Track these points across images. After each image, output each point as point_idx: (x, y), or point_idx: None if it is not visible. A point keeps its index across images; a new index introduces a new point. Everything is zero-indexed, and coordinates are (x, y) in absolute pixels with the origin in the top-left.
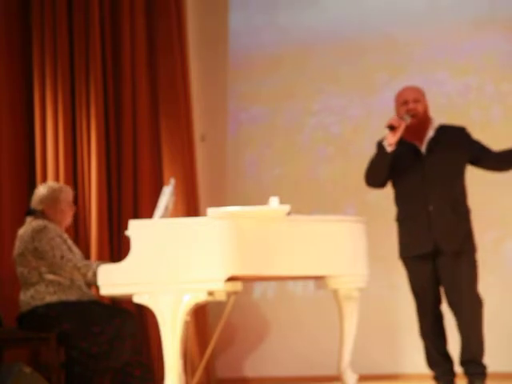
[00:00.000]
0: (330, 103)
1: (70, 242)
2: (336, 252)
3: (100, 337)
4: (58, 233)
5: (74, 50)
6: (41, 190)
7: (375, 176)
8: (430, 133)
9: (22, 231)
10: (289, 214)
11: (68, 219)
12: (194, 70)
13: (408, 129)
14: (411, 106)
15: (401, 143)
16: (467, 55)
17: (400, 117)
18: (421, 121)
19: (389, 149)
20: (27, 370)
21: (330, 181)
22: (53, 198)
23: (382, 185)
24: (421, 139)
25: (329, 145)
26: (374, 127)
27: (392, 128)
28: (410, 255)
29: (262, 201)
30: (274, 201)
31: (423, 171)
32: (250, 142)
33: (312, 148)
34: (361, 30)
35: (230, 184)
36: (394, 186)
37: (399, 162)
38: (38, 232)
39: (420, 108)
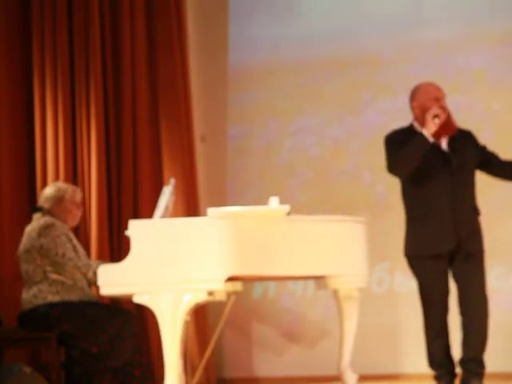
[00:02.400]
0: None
1: (75, 241)
2: (336, 252)
3: (100, 337)
4: (64, 231)
5: (73, 50)
6: (47, 189)
7: (409, 165)
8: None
9: (29, 228)
10: (289, 214)
11: (74, 219)
12: (193, 70)
13: (444, 124)
14: (443, 104)
15: (413, 135)
16: (456, 72)
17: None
18: (450, 118)
19: (431, 139)
20: (27, 369)
21: (309, 206)
22: (58, 196)
23: (409, 174)
24: (438, 137)
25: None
26: (355, 149)
27: (437, 118)
28: (427, 253)
29: (262, 201)
30: (273, 201)
31: (451, 170)
32: (250, 141)
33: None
34: (341, 45)
35: (230, 184)
36: (416, 182)
37: (424, 158)
38: (45, 228)
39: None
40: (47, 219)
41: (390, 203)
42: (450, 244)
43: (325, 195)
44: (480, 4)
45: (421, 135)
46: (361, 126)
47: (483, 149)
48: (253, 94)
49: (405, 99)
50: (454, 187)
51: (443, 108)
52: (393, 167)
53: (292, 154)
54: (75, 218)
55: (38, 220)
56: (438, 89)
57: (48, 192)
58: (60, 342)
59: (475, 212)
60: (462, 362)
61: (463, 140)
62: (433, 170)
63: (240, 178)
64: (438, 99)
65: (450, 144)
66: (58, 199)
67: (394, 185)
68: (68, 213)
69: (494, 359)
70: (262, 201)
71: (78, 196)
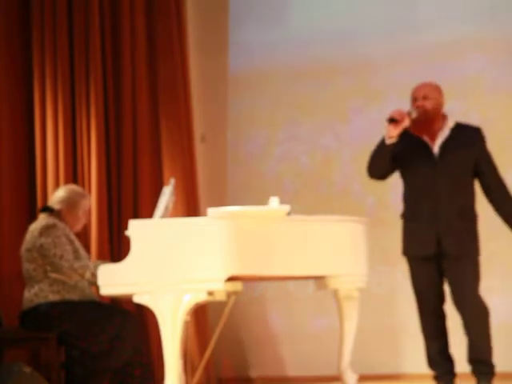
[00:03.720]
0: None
1: (77, 243)
2: (336, 252)
3: (100, 337)
4: (65, 232)
5: (73, 50)
6: (62, 191)
7: (375, 167)
8: (445, 132)
9: (32, 226)
10: (289, 214)
11: (79, 226)
12: (193, 70)
13: (416, 124)
14: (419, 103)
15: (412, 139)
16: (450, 79)
17: (408, 111)
18: (429, 117)
19: (388, 141)
20: (27, 369)
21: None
22: (73, 201)
23: (382, 177)
24: (432, 136)
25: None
26: (346, 158)
27: (393, 121)
28: (414, 255)
29: (263, 200)
30: (274, 201)
31: (434, 173)
32: (250, 142)
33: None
34: (332, 51)
35: (230, 184)
36: (404, 182)
37: (409, 158)
38: (46, 228)
39: (428, 105)
40: (49, 220)
41: (383, 208)
42: (430, 246)
43: (322, 197)
44: (477, 9)
45: (382, 139)
46: (351, 135)
47: (483, 158)
48: (252, 96)
49: (397, 106)
50: (438, 187)
51: (418, 108)
52: (366, 169)
53: (293, 154)
54: (81, 225)
55: (41, 220)
56: (422, 87)
57: (63, 195)
58: (60, 341)
59: (464, 214)
60: (469, 362)
61: (462, 139)
62: (419, 170)
63: (240, 178)
64: (415, 99)
65: (444, 143)
66: (72, 204)
67: (385, 191)
68: (77, 219)
69: (494, 359)
70: (262, 201)
71: (89, 205)
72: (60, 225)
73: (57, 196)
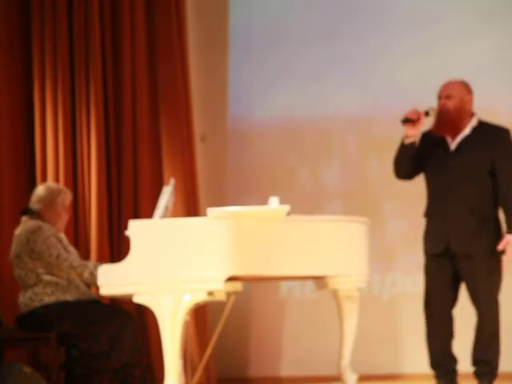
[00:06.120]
0: None
1: (65, 241)
2: (336, 252)
3: (100, 336)
4: (52, 232)
5: (73, 51)
6: (39, 190)
7: (399, 168)
8: (466, 130)
9: (17, 231)
10: (289, 214)
11: (62, 223)
12: (193, 70)
13: (440, 125)
14: (441, 103)
15: (434, 139)
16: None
17: (425, 110)
18: (451, 117)
19: (406, 140)
20: (27, 369)
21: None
22: (50, 199)
23: (408, 177)
24: (454, 135)
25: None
26: (348, 159)
27: (408, 121)
28: (428, 253)
29: (263, 200)
30: (274, 201)
31: (448, 170)
32: (250, 141)
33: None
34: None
35: (230, 184)
36: (425, 181)
37: (428, 157)
38: (32, 233)
39: (451, 104)
40: (34, 223)
41: (391, 209)
42: (440, 244)
43: (323, 197)
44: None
45: (402, 140)
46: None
47: (501, 160)
48: (253, 96)
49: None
50: (450, 185)
51: (439, 108)
52: (393, 172)
53: (292, 154)
54: (64, 221)
55: (25, 223)
56: (446, 86)
57: (39, 193)
58: (60, 342)
59: (476, 213)
60: (472, 362)
61: (482, 138)
62: (435, 168)
63: (240, 177)
64: (439, 98)
65: (462, 141)
66: (50, 202)
67: (389, 191)
68: (58, 216)
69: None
70: (261, 201)
71: (68, 199)
72: (45, 226)
73: (35, 196)
